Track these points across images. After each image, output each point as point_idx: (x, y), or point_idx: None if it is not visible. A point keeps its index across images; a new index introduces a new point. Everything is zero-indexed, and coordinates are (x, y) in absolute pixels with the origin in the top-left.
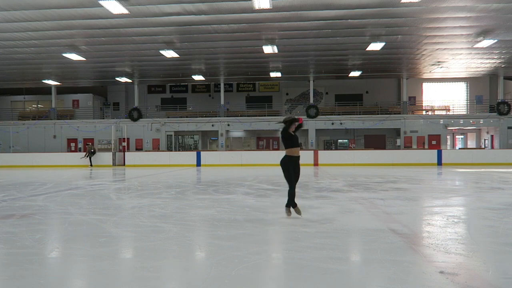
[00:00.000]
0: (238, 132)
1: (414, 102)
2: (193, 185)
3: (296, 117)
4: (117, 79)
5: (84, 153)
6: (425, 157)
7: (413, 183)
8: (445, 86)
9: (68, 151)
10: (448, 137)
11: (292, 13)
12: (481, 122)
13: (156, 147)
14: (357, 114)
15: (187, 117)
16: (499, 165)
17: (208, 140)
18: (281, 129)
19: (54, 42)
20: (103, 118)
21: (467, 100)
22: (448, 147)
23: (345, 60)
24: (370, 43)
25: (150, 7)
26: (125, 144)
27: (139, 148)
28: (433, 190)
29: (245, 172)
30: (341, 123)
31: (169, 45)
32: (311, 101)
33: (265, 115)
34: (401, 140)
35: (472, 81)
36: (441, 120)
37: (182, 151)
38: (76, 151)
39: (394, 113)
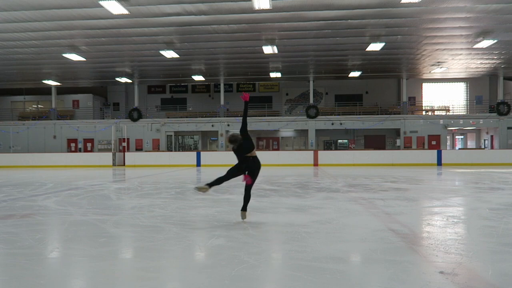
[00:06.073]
0: (238, 132)
1: (414, 102)
2: (193, 185)
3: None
4: (117, 79)
5: None
6: (425, 157)
7: (413, 183)
8: (445, 86)
9: (68, 152)
10: (448, 137)
11: (292, 14)
12: (480, 122)
13: (156, 148)
14: (357, 114)
15: (187, 117)
16: (499, 165)
17: (208, 140)
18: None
19: (54, 42)
20: (103, 118)
21: (467, 100)
22: (448, 148)
23: (345, 61)
24: (370, 43)
25: (150, 7)
26: (125, 144)
27: (139, 149)
28: (433, 190)
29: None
30: (341, 123)
31: (169, 46)
32: (311, 101)
33: (265, 115)
34: (401, 140)
35: (472, 81)
36: (441, 121)
37: (182, 151)
38: (76, 151)
39: (394, 113)
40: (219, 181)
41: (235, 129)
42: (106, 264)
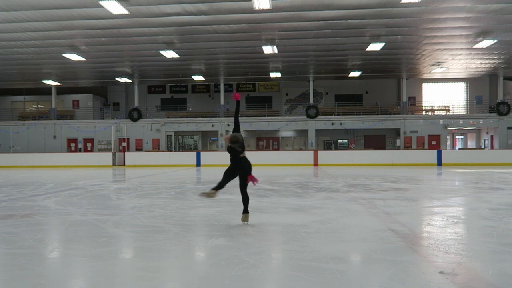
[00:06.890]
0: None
1: (414, 102)
2: (193, 185)
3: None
4: (117, 79)
5: None
6: (425, 157)
7: (413, 183)
8: (445, 86)
9: (68, 151)
10: (448, 137)
11: (292, 13)
12: (480, 122)
13: (156, 148)
14: (357, 114)
15: (187, 117)
16: (499, 165)
17: (208, 140)
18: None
19: (54, 42)
20: (103, 118)
21: (466, 100)
22: (448, 148)
23: (345, 61)
24: (370, 43)
25: (150, 7)
26: (125, 144)
27: (139, 149)
28: (433, 190)
29: None
30: (341, 123)
31: (169, 46)
32: (311, 101)
33: (265, 115)
34: (401, 140)
35: (472, 81)
36: (441, 121)
37: (182, 151)
38: (76, 151)
39: (394, 113)
40: (220, 185)
41: None
42: (106, 264)
